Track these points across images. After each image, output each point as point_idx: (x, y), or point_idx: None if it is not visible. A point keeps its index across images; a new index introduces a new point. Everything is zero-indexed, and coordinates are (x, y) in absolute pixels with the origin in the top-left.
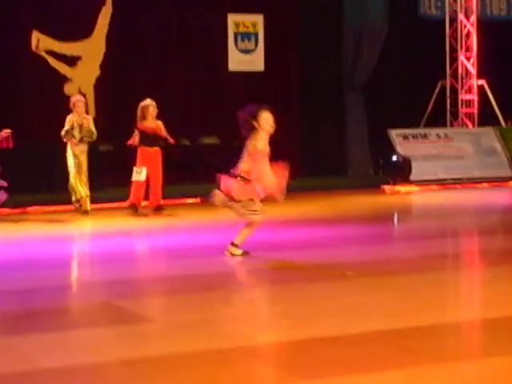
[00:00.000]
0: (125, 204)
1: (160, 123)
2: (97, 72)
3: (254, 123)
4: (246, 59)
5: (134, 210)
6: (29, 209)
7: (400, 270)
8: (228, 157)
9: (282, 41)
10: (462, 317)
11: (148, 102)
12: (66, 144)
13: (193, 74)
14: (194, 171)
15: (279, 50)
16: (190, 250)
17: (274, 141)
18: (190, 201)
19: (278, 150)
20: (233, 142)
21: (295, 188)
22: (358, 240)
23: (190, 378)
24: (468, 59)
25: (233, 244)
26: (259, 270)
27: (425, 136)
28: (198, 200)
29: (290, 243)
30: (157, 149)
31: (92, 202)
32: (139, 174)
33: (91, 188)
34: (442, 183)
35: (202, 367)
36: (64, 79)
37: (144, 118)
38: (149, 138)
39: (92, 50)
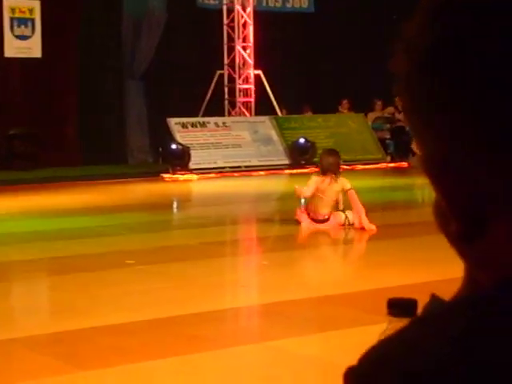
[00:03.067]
0: None
1: None
2: None
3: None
4: (22, 45)
5: None
6: None
7: (178, 258)
8: (1, 145)
9: (61, 27)
10: (239, 302)
11: None
12: None
13: None
14: None
15: (58, 37)
16: None
17: (51, 129)
18: None
19: (57, 139)
20: (7, 130)
21: (75, 177)
22: (137, 228)
23: None
24: (245, 49)
25: None
26: (36, 260)
27: (203, 124)
28: None
29: (69, 232)
30: None
31: None
32: None
33: None
34: (220, 171)
35: None
36: None
37: None
38: None
39: None
